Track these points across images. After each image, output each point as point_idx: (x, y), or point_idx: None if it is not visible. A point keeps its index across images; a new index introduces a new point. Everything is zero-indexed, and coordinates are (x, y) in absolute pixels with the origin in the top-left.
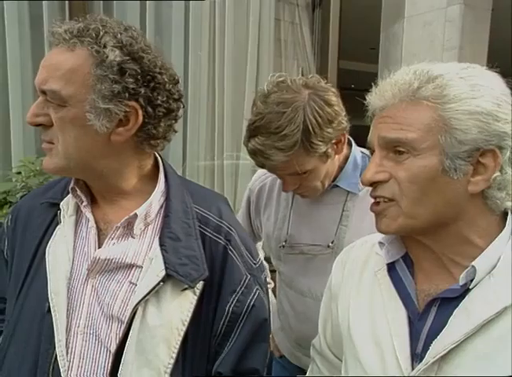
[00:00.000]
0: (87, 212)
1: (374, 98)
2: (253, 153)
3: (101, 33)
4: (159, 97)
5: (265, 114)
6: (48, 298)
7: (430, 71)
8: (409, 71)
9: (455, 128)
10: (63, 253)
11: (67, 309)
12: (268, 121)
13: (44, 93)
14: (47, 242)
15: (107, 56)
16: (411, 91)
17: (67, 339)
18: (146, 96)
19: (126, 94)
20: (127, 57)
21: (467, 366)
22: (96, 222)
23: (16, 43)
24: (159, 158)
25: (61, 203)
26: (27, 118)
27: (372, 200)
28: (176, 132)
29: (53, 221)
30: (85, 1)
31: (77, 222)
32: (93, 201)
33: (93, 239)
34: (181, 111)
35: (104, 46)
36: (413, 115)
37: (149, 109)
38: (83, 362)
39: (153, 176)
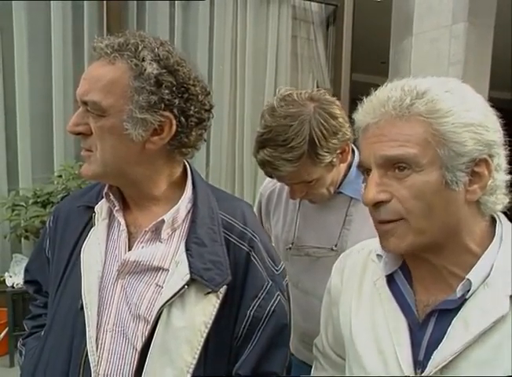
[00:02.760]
0: (119, 216)
1: (363, 115)
2: (262, 164)
3: (140, 47)
4: (192, 108)
5: (273, 127)
6: (81, 296)
7: (417, 86)
8: (396, 87)
9: (453, 141)
10: (95, 254)
11: (98, 307)
12: (276, 134)
13: (85, 103)
14: (82, 243)
15: (145, 69)
16: (404, 107)
17: (97, 336)
18: (180, 107)
19: (162, 105)
20: (164, 70)
21: (468, 373)
22: (127, 226)
23: (60, 59)
24: (187, 165)
25: (96, 207)
26: (68, 128)
27: (370, 214)
28: (205, 141)
29: (88, 224)
30: (120, 2)
31: (109, 225)
32: (124, 206)
33: (123, 242)
34: (210, 121)
35: (143, 60)
36: (408, 131)
37: (182, 119)
38: (111, 358)
39: (182, 183)
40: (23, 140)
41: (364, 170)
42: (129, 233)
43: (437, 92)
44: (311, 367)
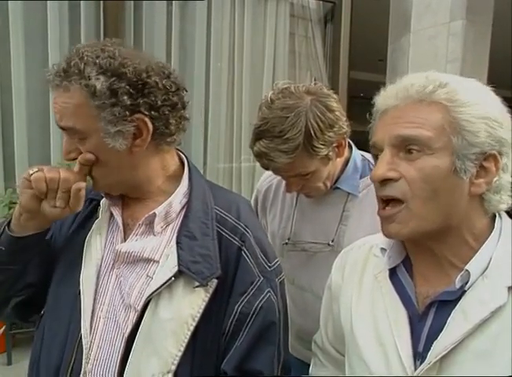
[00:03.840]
0: (114, 211)
1: (385, 99)
2: (258, 155)
3: (81, 66)
4: (158, 98)
5: (270, 119)
6: (79, 283)
7: (440, 77)
8: (420, 75)
9: (467, 130)
10: (96, 244)
11: (95, 294)
12: (272, 125)
13: (64, 129)
14: (87, 232)
15: (95, 87)
16: (426, 93)
17: (91, 322)
18: (146, 104)
19: (127, 112)
20: (112, 78)
21: (467, 363)
22: (125, 219)
23: (57, 58)
24: (185, 160)
25: (102, 200)
26: (64, 157)
27: (372, 201)
28: (188, 119)
29: (92, 215)
30: (118, 2)
31: (110, 218)
32: (123, 200)
33: (120, 234)
34: (186, 98)
35: (89, 78)
36: (426, 115)
37: (154, 113)
38: (102, 344)
39: (179, 177)
40: (19, 137)
41: (377, 151)
42: (127, 226)
43: (459, 85)
44: (307, 364)
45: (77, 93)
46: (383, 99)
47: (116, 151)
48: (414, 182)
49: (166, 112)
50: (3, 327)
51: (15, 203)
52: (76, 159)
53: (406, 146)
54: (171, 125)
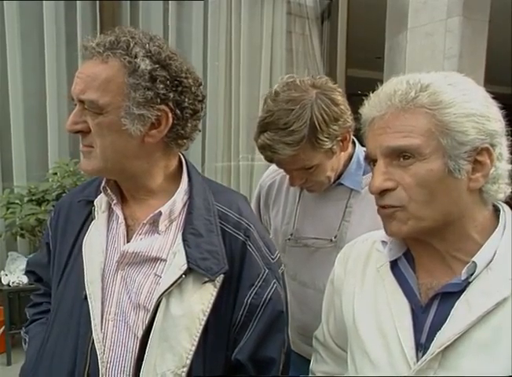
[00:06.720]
0: (117, 210)
1: (369, 109)
2: (262, 148)
3: (131, 44)
4: (186, 100)
5: (275, 111)
6: (85, 287)
7: (421, 80)
8: (401, 81)
9: (456, 131)
10: (97, 246)
11: (102, 297)
12: (277, 117)
13: (82, 102)
14: (84, 235)
15: (138, 66)
16: (409, 100)
17: (101, 325)
18: (175, 100)
19: (158, 99)
20: (156, 65)
21: (469, 354)
22: (125, 219)
23: (54, 57)
24: (183, 158)
25: (95, 201)
26: (67, 127)
27: (375, 201)
28: (200, 131)
29: (89, 217)
30: (114, 1)
31: (109, 218)
32: (122, 199)
33: (122, 234)
34: (204, 112)
35: (135, 57)
36: (412, 122)
37: (178, 111)
38: (114, 346)
39: (177, 175)
40: (17, 137)
41: (371, 161)
42: (128, 226)
43: (440, 84)
44: (308, 360)
45: (116, 67)
46: (368, 109)
47: (128, 135)
48: (410, 188)
49: (187, 115)
50: (2, 328)
51: (13, 204)
52: (79, 131)
53: (398, 155)
54: (187, 128)
